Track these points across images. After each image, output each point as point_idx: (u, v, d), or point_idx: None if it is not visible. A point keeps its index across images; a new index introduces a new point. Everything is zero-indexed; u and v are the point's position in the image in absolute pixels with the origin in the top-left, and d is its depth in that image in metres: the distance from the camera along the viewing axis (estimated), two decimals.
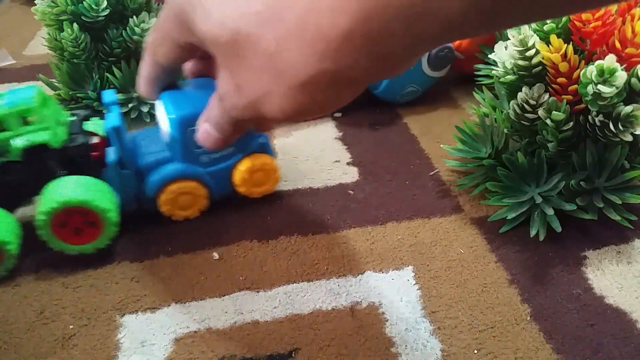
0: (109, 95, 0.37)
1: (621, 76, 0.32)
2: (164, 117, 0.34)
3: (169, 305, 0.33)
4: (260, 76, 0.21)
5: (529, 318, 0.32)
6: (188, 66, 0.33)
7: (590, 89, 0.32)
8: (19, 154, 0.33)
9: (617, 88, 0.32)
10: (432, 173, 0.45)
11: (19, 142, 0.33)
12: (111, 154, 0.35)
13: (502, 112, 0.40)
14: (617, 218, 0.36)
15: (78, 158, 0.35)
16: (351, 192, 0.42)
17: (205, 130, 0.27)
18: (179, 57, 0.27)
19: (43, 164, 0.34)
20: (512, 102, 0.37)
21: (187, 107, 0.34)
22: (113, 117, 0.35)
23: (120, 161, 0.36)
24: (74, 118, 0.37)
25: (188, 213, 0.38)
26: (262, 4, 0.20)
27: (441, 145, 0.46)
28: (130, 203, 0.37)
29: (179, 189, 0.37)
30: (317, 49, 0.19)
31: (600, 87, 0.32)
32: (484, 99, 0.43)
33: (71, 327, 0.31)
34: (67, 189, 0.33)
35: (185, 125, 0.34)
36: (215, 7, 0.21)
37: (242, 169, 0.38)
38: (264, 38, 0.20)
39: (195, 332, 0.31)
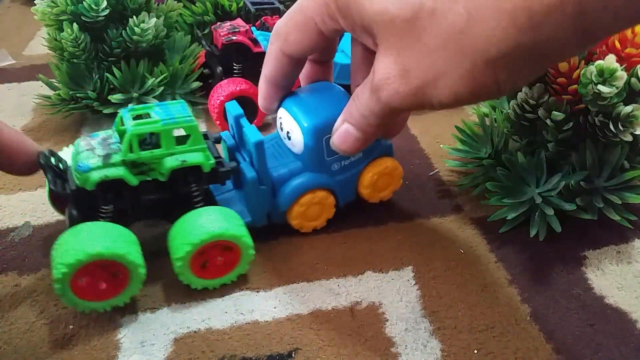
0: (234, 108, 0.35)
1: (621, 76, 0.32)
2: (294, 126, 0.33)
3: (169, 305, 0.33)
4: (436, 56, 0.20)
5: (529, 318, 0.32)
6: (303, 72, 0.32)
7: (590, 89, 0.32)
8: (167, 174, 0.31)
9: (617, 88, 0.32)
10: (432, 173, 0.45)
11: (172, 162, 0.30)
12: (249, 170, 0.33)
13: (502, 112, 0.40)
14: (617, 218, 0.36)
15: (223, 182, 0.34)
16: None
17: (345, 131, 0.26)
18: (314, 46, 0.26)
19: (188, 187, 0.32)
20: (512, 102, 0.37)
21: (319, 114, 0.32)
22: (253, 131, 0.33)
23: (258, 177, 0.34)
24: (208, 141, 0.34)
25: (317, 223, 0.37)
26: None
27: (441, 145, 0.46)
28: (262, 219, 0.36)
29: (311, 200, 0.35)
30: (519, 21, 0.18)
31: (600, 87, 0.32)
32: None
33: (71, 327, 0.31)
34: (212, 223, 0.31)
35: (322, 134, 0.33)
36: None
37: (370, 174, 0.37)
38: (453, 12, 0.19)
39: (195, 332, 0.31)
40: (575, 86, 0.33)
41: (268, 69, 0.28)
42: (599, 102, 0.33)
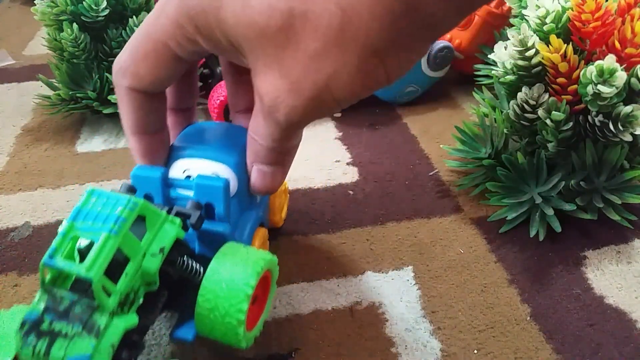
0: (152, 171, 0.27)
1: (621, 76, 0.32)
2: (217, 168, 0.27)
3: None
4: (321, 59, 0.18)
5: (529, 318, 0.32)
6: (170, 124, 0.27)
7: (590, 89, 0.32)
8: (157, 278, 0.24)
9: (616, 88, 0.32)
10: (431, 173, 0.45)
11: (151, 263, 0.23)
12: (218, 225, 0.27)
13: (501, 112, 0.40)
14: (617, 218, 0.36)
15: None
16: (351, 192, 0.42)
17: (260, 173, 0.23)
18: (172, 74, 0.22)
19: (181, 268, 0.25)
20: (511, 102, 0.37)
21: (230, 145, 0.27)
22: (208, 179, 0.26)
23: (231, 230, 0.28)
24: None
25: None
26: None
27: (441, 146, 0.46)
28: None
29: (262, 239, 0.31)
30: (393, 6, 0.17)
31: (600, 87, 0.32)
32: (483, 99, 0.43)
33: None
34: (248, 255, 0.26)
35: (245, 167, 0.27)
36: None
37: (276, 197, 0.35)
38: (327, 11, 0.18)
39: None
40: (575, 86, 0.34)
41: (127, 117, 0.23)
42: (599, 102, 0.33)
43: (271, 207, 0.35)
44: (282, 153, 0.23)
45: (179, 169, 0.27)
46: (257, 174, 0.24)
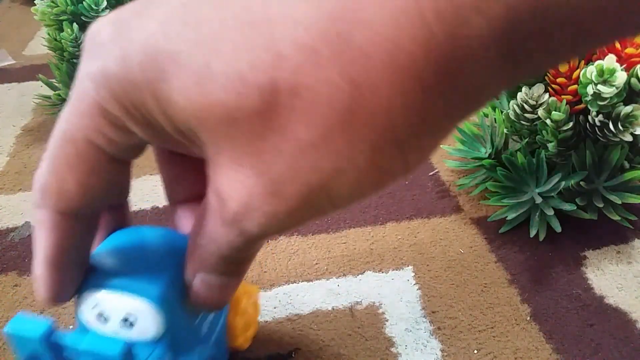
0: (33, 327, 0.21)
1: (621, 76, 0.32)
2: (136, 305, 0.20)
3: None
4: (318, 153, 0.13)
5: (528, 318, 0.32)
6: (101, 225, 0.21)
7: (590, 89, 0.32)
8: None
9: (617, 88, 0.32)
10: (432, 173, 0.45)
11: None
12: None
13: (501, 112, 0.40)
14: (617, 218, 0.36)
15: None
16: None
17: (204, 284, 0.18)
18: (110, 180, 0.17)
19: None
20: (511, 102, 0.37)
21: (161, 273, 0.20)
22: (103, 343, 0.20)
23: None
24: None
25: None
26: (306, 34, 0.12)
27: (441, 145, 0.46)
28: None
29: None
30: (424, 78, 0.12)
31: (600, 87, 0.32)
32: None
33: (71, 327, 0.31)
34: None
35: (179, 296, 0.20)
36: (215, 57, 0.13)
37: (240, 314, 0.27)
38: (328, 85, 0.12)
39: None
40: (575, 86, 0.34)
41: (45, 250, 0.17)
42: (599, 102, 0.33)
43: (231, 329, 0.26)
44: (240, 263, 0.18)
45: (88, 305, 0.21)
46: (201, 285, 0.18)
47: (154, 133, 0.15)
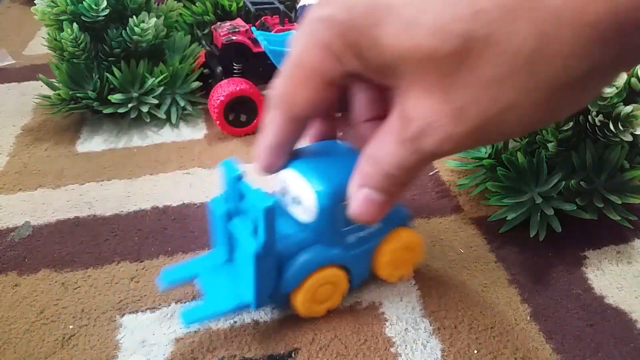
0: (231, 169, 0.28)
1: (621, 76, 0.32)
2: (305, 190, 0.27)
3: (169, 305, 0.33)
4: (500, 87, 0.16)
5: (529, 318, 0.32)
6: (310, 130, 0.27)
7: None
8: None
9: (617, 88, 0.32)
10: (432, 173, 0.45)
11: None
12: (251, 242, 0.27)
13: None
14: (617, 218, 0.36)
15: None
16: None
17: (366, 198, 0.21)
18: (326, 100, 0.21)
19: None
20: None
21: (333, 177, 0.27)
22: (260, 195, 0.26)
23: (264, 251, 0.27)
24: None
25: (328, 305, 0.31)
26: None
27: None
28: (263, 302, 0.29)
29: (320, 281, 0.30)
30: (605, 34, 0.15)
31: None
32: None
33: (71, 327, 0.31)
34: None
35: (338, 200, 0.27)
36: (423, 12, 0.16)
37: (388, 248, 0.31)
38: (517, 35, 0.15)
39: (195, 332, 0.31)
40: None
41: (271, 137, 0.24)
42: (599, 102, 0.33)
43: (377, 256, 0.31)
44: (401, 184, 0.21)
45: (279, 178, 0.29)
46: (363, 199, 0.21)
47: (361, 65, 0.19)
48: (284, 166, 0.27)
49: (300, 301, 0.30)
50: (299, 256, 0.29)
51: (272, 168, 0.26)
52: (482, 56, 0.16)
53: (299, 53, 0.20)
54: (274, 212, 0.26)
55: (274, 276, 0.28)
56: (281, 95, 0.22)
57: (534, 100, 0.16)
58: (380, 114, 0.24)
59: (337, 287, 0.31)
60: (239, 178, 0.28)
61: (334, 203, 0.27)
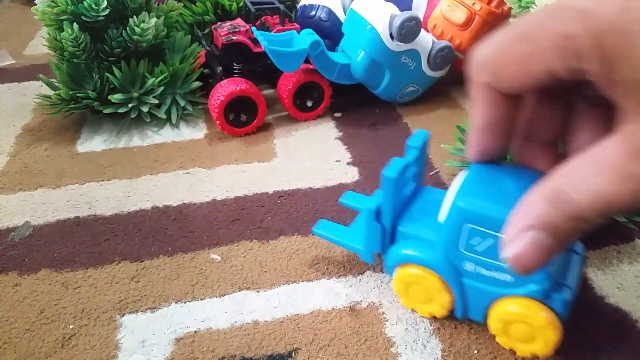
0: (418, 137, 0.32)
1: None
2: (450, 194, 0.27)
3: (169, 305, 0.33)
4: None
5: None
6: (515, 148, 0.24)
7: None
8: None
9: None
10: (432, 173, 0.45)
11: None
12: (372, 202, 0.30)
13: None
14: (623, 220, 0.36)
15: None
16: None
17: (533, 242, 0.18)
18: (535, 86, 0.19)
19: None
20: None
21: (484, 199, 0.25)
22: (393, 165, 0.29)
23: (377, 213, 0.30)
24: None
25: (430, 309, 0.31)
26: None
27: (441, 145, 0.46)
28: (369, 257, 0.33)
29: (414, 277, 0.30)
30: None
31: None
32: None
33: (71, 327, 0.31)
34: None
35: (467, 220, 0.26)
36: None
37: (497, 310, 0.28)
38: None
39: (195, 332, 0.31)
40: None
41: (478, 115, 0.22)
42: None
43: (492, 309, 0.28)
44: (578, 230, 0.18)
45: (459, 175, 0.27)
46: (531, 242, 0.18)
47: (602, 71, 0.17)
48: (502, 152, 0.24)
49: (396, 283, 0.31)
50: (410, 243, 0.30)
51: (486, 153, 0.23)
52: None
53: (529, 28, 0.18)
54: (394, 182, 0.29)
55: (381, 242, 0.31)
56: (485, 64, 0.20)
57: None
58: (553, 135, 0.23)
59: (436, 296, 0.30)
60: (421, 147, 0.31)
61: (460, 221, 0.26)
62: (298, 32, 0.50)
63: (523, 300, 0.27)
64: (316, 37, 0.47)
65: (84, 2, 0.46)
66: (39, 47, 0.70)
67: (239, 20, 0.52)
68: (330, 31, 0.54)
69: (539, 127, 0.23)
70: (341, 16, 0.54)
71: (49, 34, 0.49)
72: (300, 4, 0.57)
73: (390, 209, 0.30)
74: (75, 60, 0.49)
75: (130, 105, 0.50)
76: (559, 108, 0.23)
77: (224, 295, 0.33)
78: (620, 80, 0.16)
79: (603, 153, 0.16)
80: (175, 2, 0.55)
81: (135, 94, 0.50)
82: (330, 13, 0.54)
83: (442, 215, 0.27)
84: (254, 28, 0.50)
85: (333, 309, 0.32)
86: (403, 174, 0.30)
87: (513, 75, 0.19)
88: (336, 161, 0.46)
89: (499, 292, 0.28)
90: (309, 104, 0.51)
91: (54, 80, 0.51)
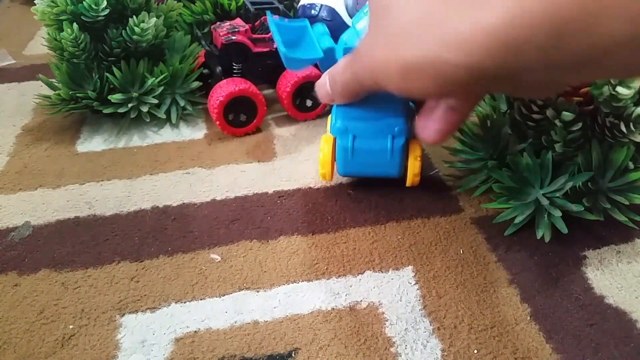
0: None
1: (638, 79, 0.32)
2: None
3: (169, 305, 0.33)
4: (387, 40, 0.23)
5: (529, 318, 0.32)
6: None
7: (606, 90, 0.32)
8: None
9: (634, 89, 0.32)
10: (432, 173, 0.45)
11: None
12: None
13: (501, 112, 0.40)
14: (623, 219, 0.36)
15: None
16: (351, 192, 0.42)
17: (325, 82, 0.33)
18: None
19: None
20: (516, 102, 0.37)
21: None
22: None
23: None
24: None
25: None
26: None
27: (441, 146, 0.46)
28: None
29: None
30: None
31: (618, 88, 0.32)
32: (483, 100, 0.42)
33: (71, 327, 0.31)
34: None
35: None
36: None
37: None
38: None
39: (195, 332, 0.31)
40: (586, 88, 0.33)
41: None
42: (613, 104, 0.32)
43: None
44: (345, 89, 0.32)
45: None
46: (323, 83, 0.34)
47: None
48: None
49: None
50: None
51: None
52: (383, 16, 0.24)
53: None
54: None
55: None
56: None
57: (396, 64, 0.23)
58: None
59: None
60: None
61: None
62: None
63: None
64: (331, 41, 0.46)
65: (84, 2, 0.46)
66: (38, 47, 0.70)
67: (238, 20, 0.52)
68: (333, 30, 0.54)
69: None
70: (344, 15, 0.54)
71: (48, 34, 0.49)
72: (300, 3, 0.57)
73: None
74: (75, 60, 0.49)
75: (130, 105, 0.50)
76: None
77: (224, 295, 0.33)
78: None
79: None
80: (175, 1, 0.55)
81: (135, 94, 0.50)
82: (333, 12, 0.54)
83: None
84: (269, 17, 0.49)
85: (333, 309, 0.32)
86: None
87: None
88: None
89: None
90: (309, 103, 0.51)
91: (53, 80, 0.51)
